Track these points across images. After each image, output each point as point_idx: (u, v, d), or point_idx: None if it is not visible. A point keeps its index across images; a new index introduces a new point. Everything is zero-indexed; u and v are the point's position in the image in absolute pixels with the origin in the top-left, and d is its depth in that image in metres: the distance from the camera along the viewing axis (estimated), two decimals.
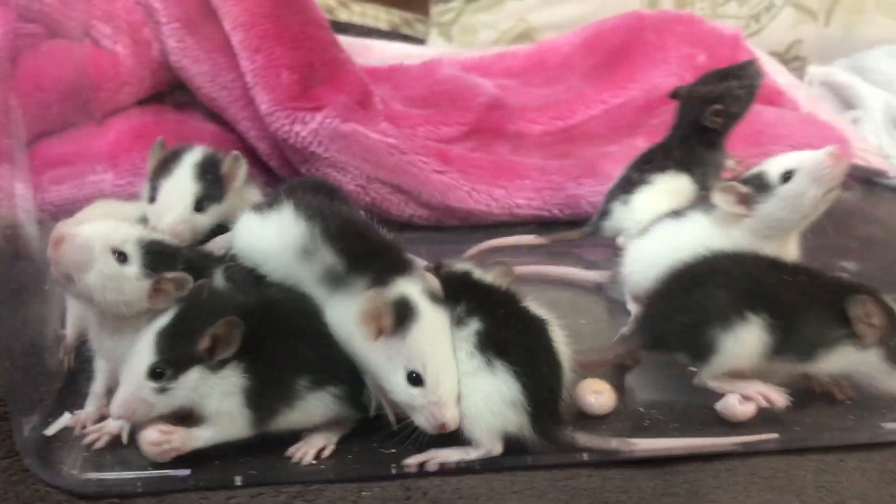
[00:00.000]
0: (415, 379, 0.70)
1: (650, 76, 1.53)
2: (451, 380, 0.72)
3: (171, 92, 1.28)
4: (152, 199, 0.89)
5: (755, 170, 0.90)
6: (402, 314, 0.71)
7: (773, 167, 0.87)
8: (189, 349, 0.69)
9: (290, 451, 0.73)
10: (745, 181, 0.89)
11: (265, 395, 0.71)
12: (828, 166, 0.84)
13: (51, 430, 0.76)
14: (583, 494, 0.71)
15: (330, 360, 0.74)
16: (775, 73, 1.60)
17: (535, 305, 0.77)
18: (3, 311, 0.75)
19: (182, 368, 0.69)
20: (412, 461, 0.72)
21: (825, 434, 0.79)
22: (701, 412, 0.82)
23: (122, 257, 0.72)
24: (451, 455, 0.73)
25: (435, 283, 0.77)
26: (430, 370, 0.71)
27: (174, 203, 0.87)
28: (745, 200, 0.88)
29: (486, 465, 0.73)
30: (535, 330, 0.75)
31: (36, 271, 0.81)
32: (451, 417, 0.70)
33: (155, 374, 0.69)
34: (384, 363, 0.71)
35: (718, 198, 0.89)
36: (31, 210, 0.83)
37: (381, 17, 1.99)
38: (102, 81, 1.20)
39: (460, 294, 0.76)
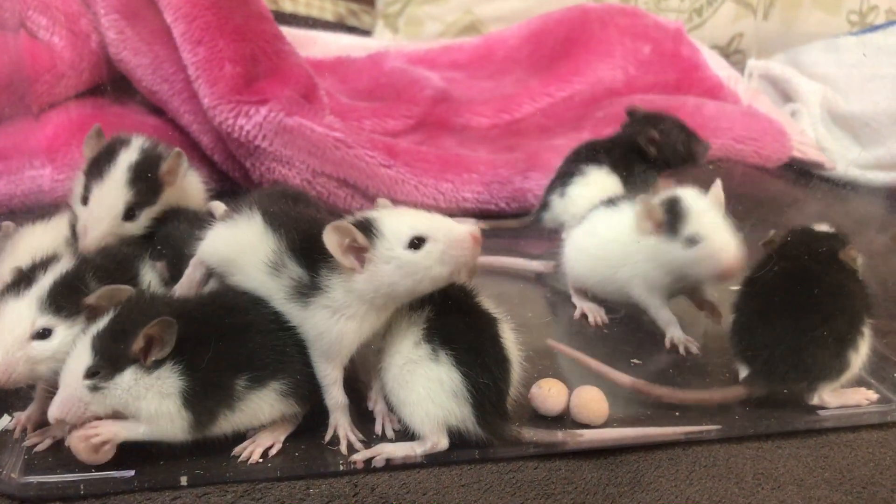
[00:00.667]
0: (416, 243, 0.70)
1: (595, 69, 1.56)
2: (437, 216, 0.73)
3: (110, 85, 1.26)
4: (85, 200, 0.86)
5: (672, 195, 0.92)
6: (365, 225, 0.71)
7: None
8: (123, 349, 0.68)
9: (237, 450, 0.73)
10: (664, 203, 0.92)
11: (204, 397, 0.70)
12: None
13: None
14: (529, 486, 0.72)
15: (273, 355, 0.73)
16: (717, 67, 1.63)
17: (488, 302, 0.78)
18: None
19: (117, 368, 0.68)
20: (359, 457, 0.73)
21: (763, 423, 0.82)
22: (642, 404, 0.83)
23: (45, 333, 0.72)
24: (398, 450, 0.73)
25: (386, 202, 0.79)
26: (419, 222, 0.71)
27: (102, 215, 0.85)
28: (658, 226, 0.91)
29: (434, 460, 0.73)
30: (484, 326, 0.75)
31: None
32: (467, 227, 0.71)
33: (91, 373, 0.68)
34: (391, 272, 0.70)
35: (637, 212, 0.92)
36: None
37: (327, 8, 1.97)
38: (39, 74, 1.18)
39: None
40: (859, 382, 0.88)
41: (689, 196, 0.91)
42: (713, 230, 0.88)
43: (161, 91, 1.21)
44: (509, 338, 0.76)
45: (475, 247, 0.70)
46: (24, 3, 1.17)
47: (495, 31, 1.68)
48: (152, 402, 0.69)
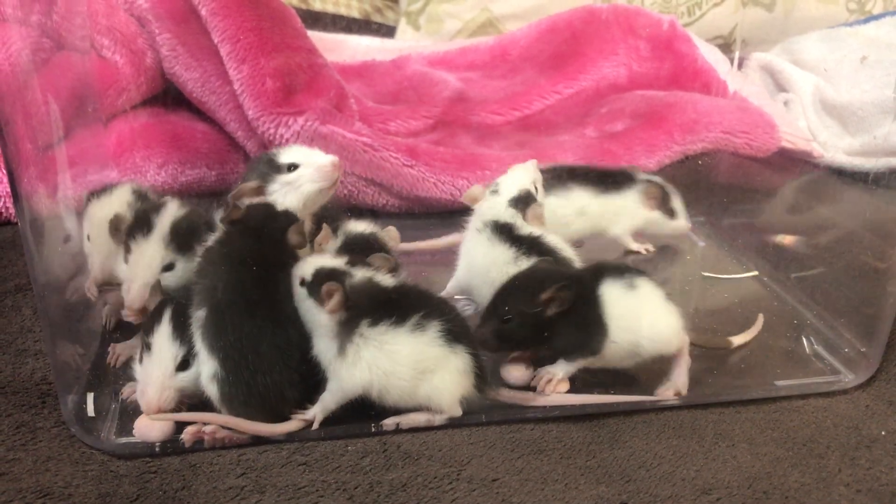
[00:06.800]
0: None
1: (600, 67, 1.67)
2: None
3: (164, 95, 1.41)
4: None
5: None
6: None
7: None
8: None
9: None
10: None
11: None
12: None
13: (90, 410, 0.89)
14: (525, 444, 0.87)
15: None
16: (708, 55, 1.72)
17: None
18: (49, 302, 0.87)
19: None
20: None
21: (727, 391, 0.96)
22: (625, 376, 0.99)
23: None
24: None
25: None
26: None
27: None
28: None
29: (448, 423, 0.88)
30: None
31: (74, 261, 0.95)
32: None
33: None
34: None
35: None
36: (71, 205, 0.96)
37: (353, 6, 2.10)
38: (105, 89, 1.32)
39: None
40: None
41: None
42: None
43: (209, 102, 1.35)
44: None
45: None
46: (92, 27, 1.31)
47: (508, 33, 1.79)
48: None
